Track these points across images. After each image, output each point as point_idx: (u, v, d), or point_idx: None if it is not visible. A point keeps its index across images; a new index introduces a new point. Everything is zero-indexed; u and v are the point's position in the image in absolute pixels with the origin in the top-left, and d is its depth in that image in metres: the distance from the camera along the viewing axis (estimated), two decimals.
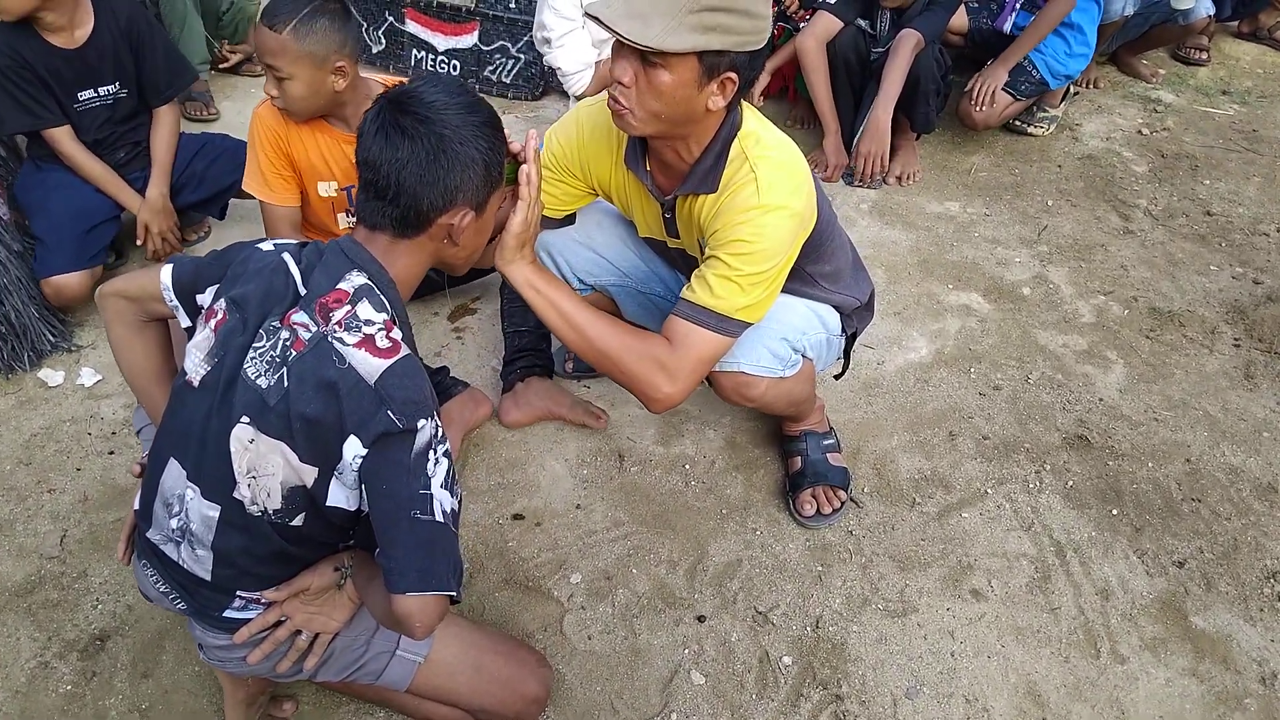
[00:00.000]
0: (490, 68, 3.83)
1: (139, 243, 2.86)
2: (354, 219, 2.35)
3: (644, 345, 1.69)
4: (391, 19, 3.91)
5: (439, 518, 1.35)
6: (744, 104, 1.74)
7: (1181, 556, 2.11)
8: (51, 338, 2.63)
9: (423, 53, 3.91)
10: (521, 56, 3.76)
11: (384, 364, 1.34)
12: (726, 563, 2.08)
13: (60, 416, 2.44)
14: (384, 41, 3.97)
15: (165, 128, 2.83)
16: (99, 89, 2.71)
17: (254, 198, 2.45)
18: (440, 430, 1.37)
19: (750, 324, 1.72)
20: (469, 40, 3.81)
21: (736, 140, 1.70)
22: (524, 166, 1.57)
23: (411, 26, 3.88)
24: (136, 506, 1.57)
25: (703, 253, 1.76)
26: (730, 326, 1.69)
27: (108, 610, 1.97)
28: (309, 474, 1.37)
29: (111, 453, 2.33)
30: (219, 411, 1.40)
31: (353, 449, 1.33)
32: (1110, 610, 1.99)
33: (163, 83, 2.81)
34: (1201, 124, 3.82)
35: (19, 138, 2.93)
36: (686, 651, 1.91)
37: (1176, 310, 2.82)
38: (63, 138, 2.69)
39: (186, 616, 1.58)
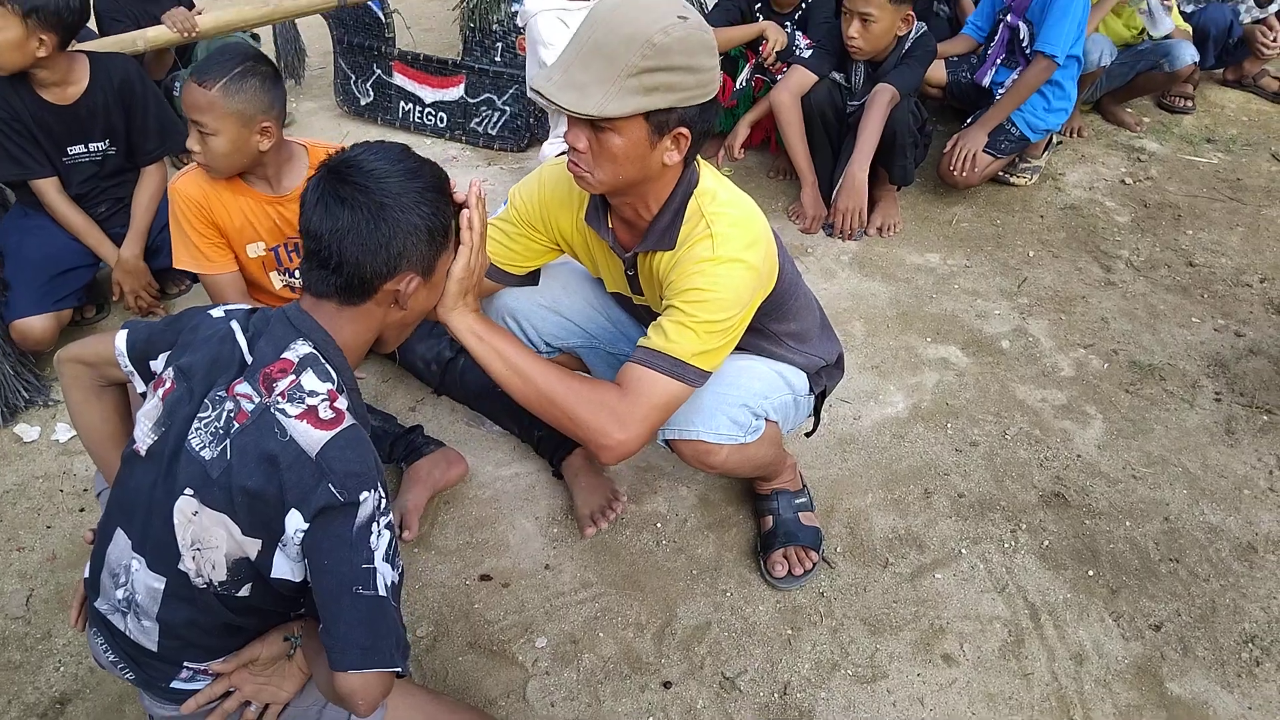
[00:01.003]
0: (476, 119, 3.86)
1: (114, 299, 2.88)
2: (287, 276, 2.37)
3: (594, 391, 1.65)
4: (379, 71, 3.95)
5: (381, 591, 1.33)
6: (702, 162, 1.74)
7: (1158, 619, 2.07)
8: (25, 394, 2.63)
9: (410, 105, 3.94)
10: (507, 109, 3.79)
11: (326, 436, 1.33)
12: (695, 625, 2.05)
13: (34, 473, 2.43)
14: (372, 94, 4.01)
15: (148, 188, 2.86)
16: (88, 145, 2.75)
17: None
18: (384, 501, 1.36)
19: (707, 372, 1.68)
20: (455, 93, 3.84)
21: (693, 198, 1.70)
22: (465, 211, 1.54)
23: (399, 79, 3.92)
24: (86, 575, 1.56)
25: None
26: (685, 372, 1.65)
27: (69, 673, 1.95)
28: (252, 547, 1.35)
29: (82, 510, 2.32)
30: (164, 482, 1.39)
31: (294, 523, 1.31)
32: (1084, 676, 1.96)
33: (151, 143, 2.85)
34: (1185, 173, 3.83)
35: (6, 188, 2.97)
36: (650, 719, 1.88)
37: (1157, 363, 2.80)
38: (48, 189, 2.73)
39: (136, 687, 1.56)
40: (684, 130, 1.58)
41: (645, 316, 2.02)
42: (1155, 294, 3.11)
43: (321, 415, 1.34)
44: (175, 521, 1.37)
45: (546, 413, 1.66)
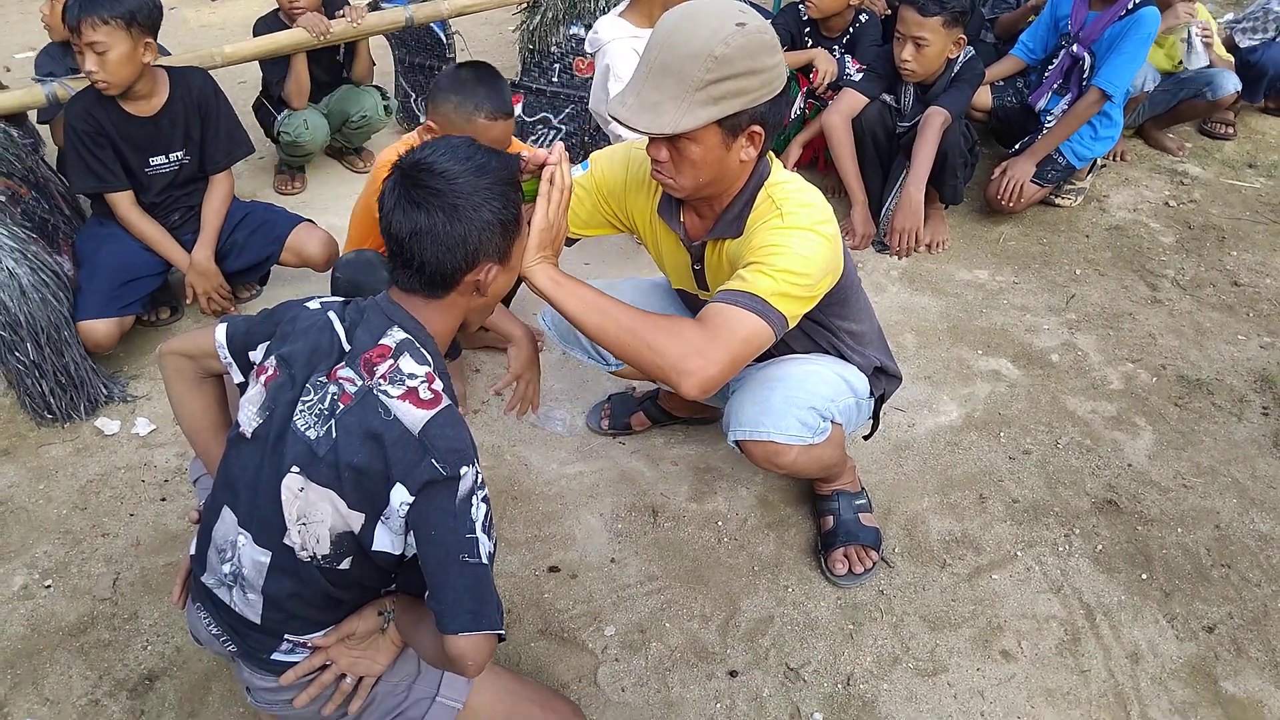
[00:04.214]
0: (533, 138, 3.97)
1: (187, 302, 2.99)
2: None
3: (674, 323, 1.66)
4: None
5: (484, 559, 1.41)
6: (772, 156, 1.82)
7: (1211, 621, 2.11)
8: (105, 389, 2.74)
9: None
10: (563, 128, 3.90)
11: (427, 415, 1.41)
12: (758, 619, 2.11)
13: (115, 464, 2.53)
14: None
15: (218, 194, 2.98)
16: (169, 155, 2.87)
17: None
18: (480, 476, 1.44)
19: (785, 316, 1.66)
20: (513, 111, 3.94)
21: (764, 188, 1.77)
22: (549, 168, 1.61)
23: None
24: (192, 552, 1.64)
25: None
26: (764, 309, 1.64)
27: (157, 651, 2.04)
28: (356, 520, 1.43)
29: (164, 499, 2.42)
30: (270, 462, 1.47)
31: (399, 496, 1.39)
32: (1140, 673, 2.00)
33: (221, 152, 2.96)
34: (1228, 196, 3.88)
35: (83, 199, 3.09)
36: (719, 705, 1.94)
37: (1205, 378, 2.85)
38: (122, 201, 2.83)
39: (234, 659, 1.63)
40: (757, 128, 1.66)
41: None
42: (1201, 312, 3.16)
43: (422, 396, 1.43)
44: (283, 498, 1.45)
45: (626, 346, 1.65)
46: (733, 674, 2.00)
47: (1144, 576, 2.22)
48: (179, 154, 2.89)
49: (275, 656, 1.57)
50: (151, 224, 2.88)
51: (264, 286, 3.23)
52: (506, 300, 2.81)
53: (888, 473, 2.50)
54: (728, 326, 1.63)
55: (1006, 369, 2.89)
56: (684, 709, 1.93)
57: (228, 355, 1.60)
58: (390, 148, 2.38)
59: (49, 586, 2.19)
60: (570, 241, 2.10)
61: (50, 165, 3.22)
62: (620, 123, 1.63)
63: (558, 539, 2.31)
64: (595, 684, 1.98)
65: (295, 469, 1.44)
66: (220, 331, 1.60)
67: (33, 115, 3.39)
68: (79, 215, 3.14)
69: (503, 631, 1.42)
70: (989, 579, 2.21)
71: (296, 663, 1.58)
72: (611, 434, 2.61)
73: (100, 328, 2.72)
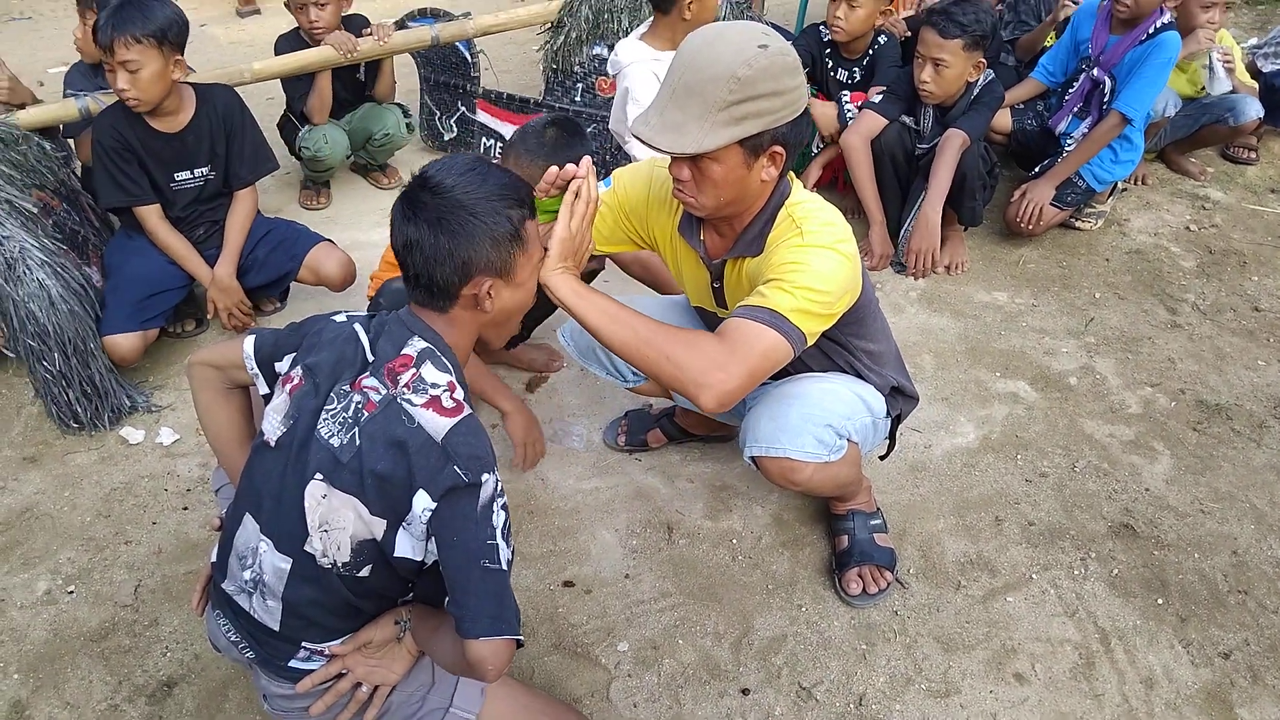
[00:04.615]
0: None
1: (209, 316, 3.03)
2: None
3: (693, 336, 1.68)
4: (464, 109, 4.13)
5: (503, 566, 1.44)
6: (792, 176, 1.83)
7: (1227, 648, 2.10)
8: (129, 399, 2.78)
9: (491, 140, 4.10)
10: None
11: (450, 422, 1.44)
12: (771, 637, 2.12)
13: (139, 473, 2.57)
14: (455, 129, 4.19)
15: (242, 211, 3.02)
16: (194, 170, 2.91)
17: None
18: (500, 485, 1.47)
19: (804, 333, 1.67)
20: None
21: (784, 208, 1.78)
22: (575, 181, 1.64)
23: (482, 116, 4.09)
24: (214, 559, 1.67)
25: None
26: (783, 325, 1.65)
27: (176, 658, 2.07)
28: (378, 526, 1.46)
29: (186, 508, 2.45)
30: (294, 469, 1.50)
31: (421, 502, 1.42)
32: (1155, 699, 1.99)
33: (245, 168, 3.00)
34: (1250, 221, 3.86)
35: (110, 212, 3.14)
36: None
37: (1224, 403, 2.84)
38: (149, 215, 2.88)
39: (252, 666, 1.66)
40: (778, 148, 1.68)
41: None
42: (1221, 337, 3.15)
43: (444, 404, 1.46)
44: (306, 505, 1.49)
45: (646, 357, 1.65)
46: (745, 692, 2.00)
47: (1160, 601, 2.21)
48: (204, 169, 2.93)
49: (293, 664, 1.60)
50: (177, 238, 2.93)
51: (285, 303, 3.27)
52: (532, 326, 2.84)
53: (903, 493, 2.50)
54: (747, 341, 1.64)
55: (1024, 391, 2.89)
56: None
57: (254, 366, 1.64)
58: None
59: (72, 592, 2.22)
60: (597, 260, 2.11)
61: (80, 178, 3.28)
62: (643, 142, 1.65)
63: (572, 554, 2.32)
64: (608, 699, 1.99)
65: (318, 476, 1.48)
66: (249, 343, 1.65)
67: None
68: (108, 227, 3.19)
69: (521, 637, 1.44)
70: (1004, 601, 2.20)
71: (313, 670, 1.60)
72: (628, 450, 2.63)
73: (124, 342, 2.77)
